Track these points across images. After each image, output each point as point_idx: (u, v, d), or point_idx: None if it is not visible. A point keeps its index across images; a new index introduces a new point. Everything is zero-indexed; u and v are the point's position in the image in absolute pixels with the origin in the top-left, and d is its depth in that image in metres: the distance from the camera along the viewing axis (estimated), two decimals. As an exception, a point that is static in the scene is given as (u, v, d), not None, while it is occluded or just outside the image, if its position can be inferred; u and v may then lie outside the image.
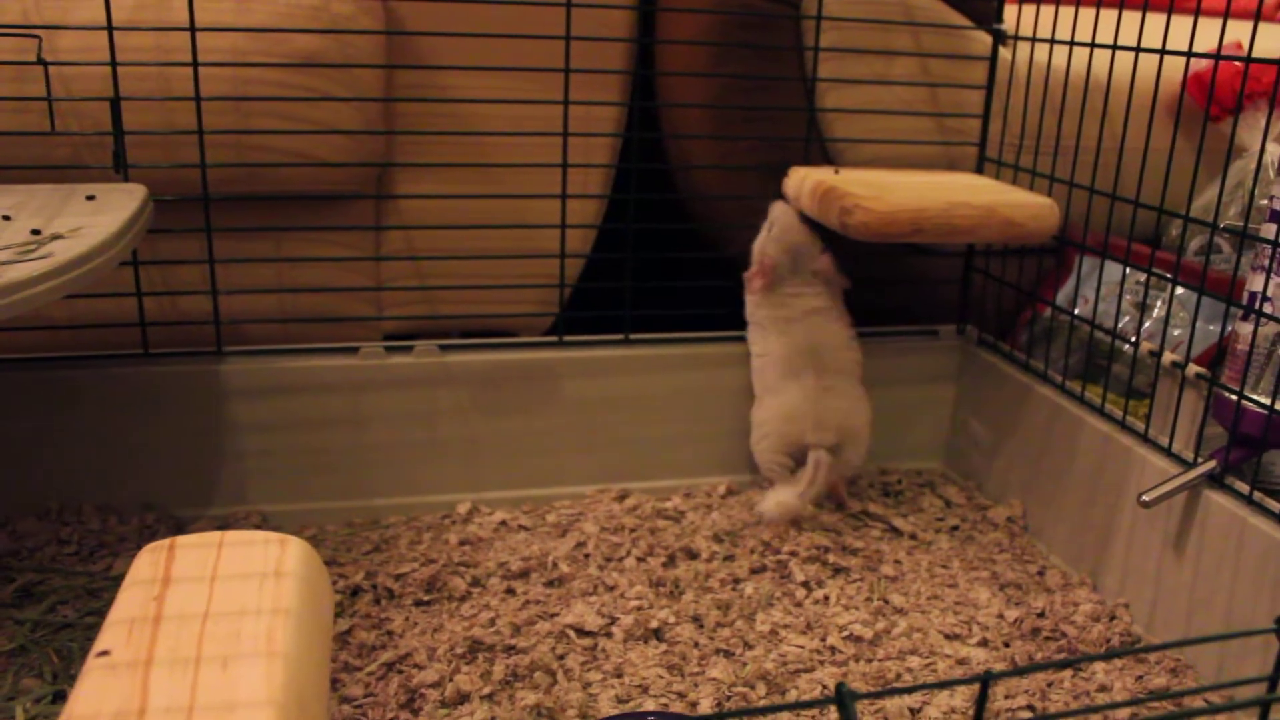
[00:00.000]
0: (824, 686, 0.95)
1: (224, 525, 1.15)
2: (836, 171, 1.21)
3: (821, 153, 1.30)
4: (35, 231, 0.93)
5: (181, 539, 0.69)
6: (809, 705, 0.62)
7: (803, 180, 1.19)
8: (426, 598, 1.04)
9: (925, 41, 1.30)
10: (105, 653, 0.58)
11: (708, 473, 1.29)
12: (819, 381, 1.20)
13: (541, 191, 1.23)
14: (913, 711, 0.93)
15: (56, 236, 0.92)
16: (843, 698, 0.57)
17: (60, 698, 0.88)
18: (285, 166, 1.15)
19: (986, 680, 0.60)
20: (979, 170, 1.33)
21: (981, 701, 0.62)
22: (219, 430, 1.15)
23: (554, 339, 1.23)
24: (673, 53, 1.31)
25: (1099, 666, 0.99)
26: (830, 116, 1.28)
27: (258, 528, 1.16)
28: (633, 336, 1.25)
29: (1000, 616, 1.06)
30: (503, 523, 1.19)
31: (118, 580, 1.05)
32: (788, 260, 1.22)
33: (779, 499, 1.17)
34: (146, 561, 0.67)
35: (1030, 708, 0.94)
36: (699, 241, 1.39)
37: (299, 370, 1.16)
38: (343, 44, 1.15)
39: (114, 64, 1.06)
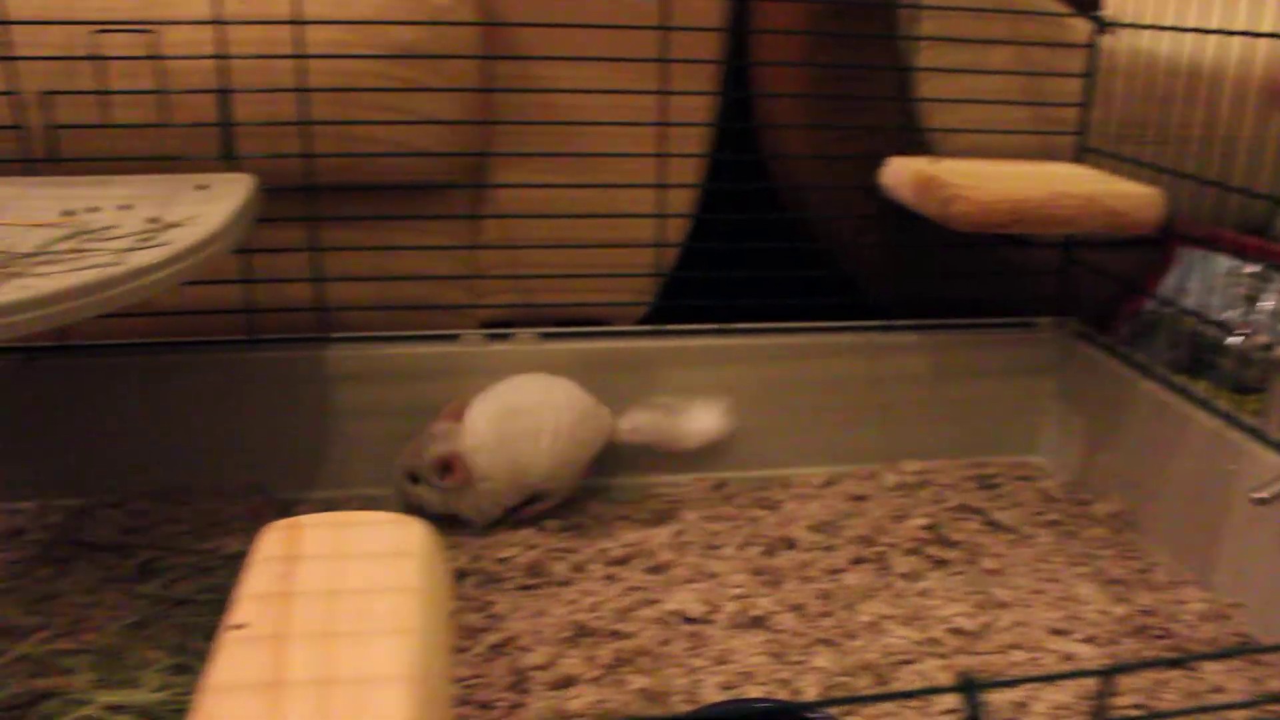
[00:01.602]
0: (928, 678, 0.94)
1: (328, 507, 1.16)
2: (935, 162, 1.20)
3: (918, 143, 1.29)
4: (152, 220, 0.96)
5: (305, 518, 0.71)
6: (934, 692, 0.62)
7: (901, 171, 1.18)
8: (530, 582, 1.06)
9: (1024, 29, 1.28)
10: (241, 625, 0.60)
11: (805, 463, 1.29)
12: None
13: (635, 181, 1.23)
14: (1019, 706, 0.92)
15: (173, 224, 0.95)
16: (969, 686, 0.57)
17: (182, 669, 0.90)
18: (385, 156, 1.16)
19: (1109, 674, 0.59)
20: (1079, 160, 1.31)
21: (1103, 696, 0.62)
22: (323, 415, 1.17)
23: (651, 328, 1.24)
24: (768, 42, 1.31)
25: (1212, 667, 0.97)
26: (927, 106, 1.27)
27: (361, 510, 1.18)
28: (728, 326, 1.25)
29: (1105, 613, 1.05)
30: (600, 510, 1.20)
31: (229, 558, 1.08)
32: None
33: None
34: (273, 539, 0.69)
35: (1140, 706, 0.93)
36: (793, 231, 1.38)
37: (401, 357, 1.18)
38: (441, 35, 1.16)
39: (223, 57, 1.09)
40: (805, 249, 1.35)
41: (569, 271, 1.26)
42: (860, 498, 1.24)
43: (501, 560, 1.08)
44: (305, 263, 1.18)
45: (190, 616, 0.99)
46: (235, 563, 1.06)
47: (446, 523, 1.14)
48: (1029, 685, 0.91)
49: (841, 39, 1.25)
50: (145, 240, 0.90)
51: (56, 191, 1.04)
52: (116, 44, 1.08)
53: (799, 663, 0.96)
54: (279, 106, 1.13)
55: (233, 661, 0.57)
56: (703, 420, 1.20)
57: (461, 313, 1.26)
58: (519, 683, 0.92)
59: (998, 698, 0.92)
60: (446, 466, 1.12)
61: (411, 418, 1.18)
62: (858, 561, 1.12)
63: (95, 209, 0.99)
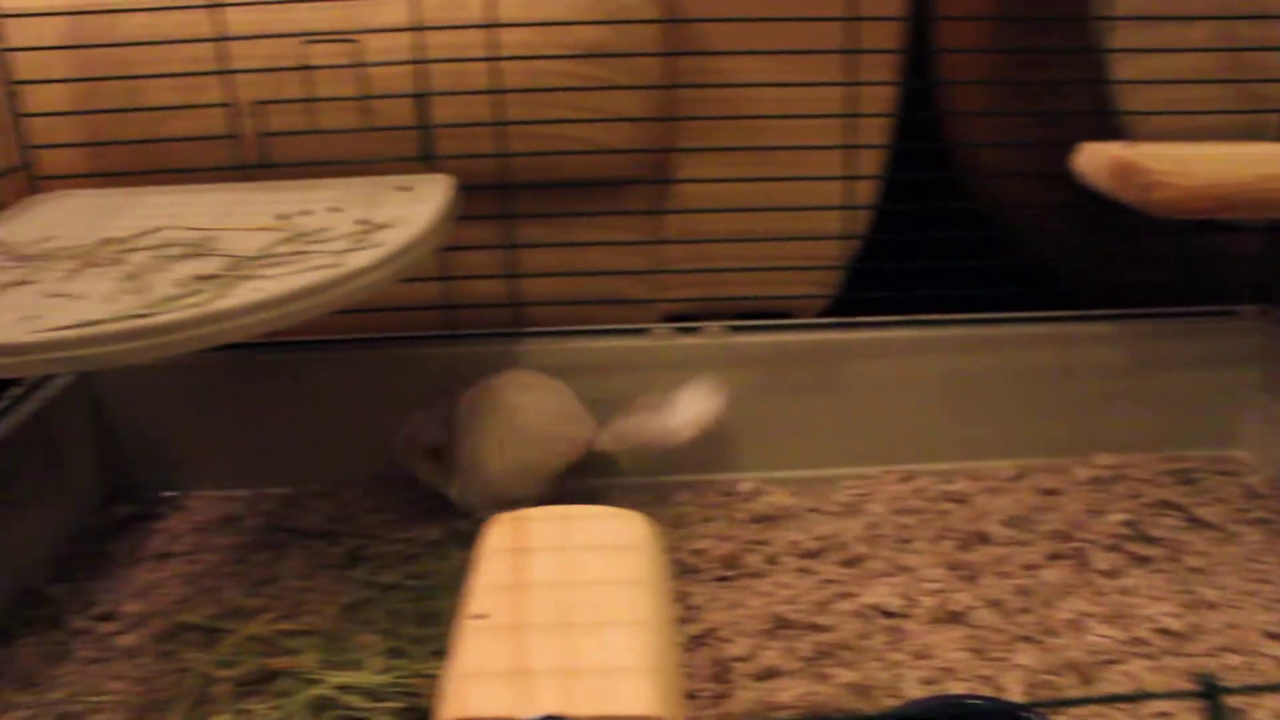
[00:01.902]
0: (1138, 680, 0.92)
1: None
2: (1133, 146, 1.16)
3: (1111, 127, 1.25)
4: (362, 221, 1.00)
5: (530, 511, 0.73)
6: (1172, 697, 0.60)
7: (1096, 156, 1.15)
8: (725, 573, 1.07)
9: (1227, 3, 1.23)
10: (481, 615, 0.62)
11: (993, 455, 1.26)
12: None
13: (816, 173, 1.23)
14: (1235, 712, 0.89)
15: (382, 226, 0.99)
16: (1211, 691, 0.56)
17: (398, 653, 0.94)
18: (574, 154, 1.19)
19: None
20: (1288, 140, 1.26)
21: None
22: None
23: (840, 320, 1.23)
24: (952, 28, 1.29)
25: None
26: (1122, 88, 1.23)
27: (559, 500, 1.21)
28: (917, 318, 1.24)
29: (1326, 616, 1.01)
30: (789, 502, 1.20)
31: (432, 547, 1.12)
32: None
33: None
34: (500, 531, 0.71)
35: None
36: (979, 220, 1.36)
37: (592, 350, 1.20)
38: (627, 33, 1.18)
39: (422, 62, 1.12)
40: (992, 238, 1.32)
41: (752, 265, 1.26)
42: (1052, 492, 1.22)
43: (696, 552, 1.10)
44: (496, 259, 1.21)
45: (399, 602, 1.03)
46: (436, 550, 1.11)
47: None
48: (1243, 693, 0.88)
49: (1031, 22, 1.22)
50: (359, 242, 0.94)
51: (269, 196, 1.10)
52: (322, 54, 1.13)
53: (1001, 659, 0.94)
54: (472, 108, 1.16)
55: (477, 650, 0.59)
56: (690, 409, 1.14)
57: (644, 306, 1.28)
58: (722, 673, 0.93)
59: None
60: (435, 453, 1.15)
61: (600, 410, 1.20)
62: (1054, 557, 1.09)
63: (307, 212, 1.04)
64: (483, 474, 1.13)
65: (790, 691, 0.89)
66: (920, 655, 0.95)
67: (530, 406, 1.13)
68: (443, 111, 1.16)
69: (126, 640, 1.00)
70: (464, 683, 0.57)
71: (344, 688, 0.87)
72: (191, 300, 0.83)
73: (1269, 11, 1.23)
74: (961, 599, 1.01)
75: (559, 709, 0.54)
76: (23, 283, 0.90)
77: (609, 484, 1.21)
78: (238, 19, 1.14)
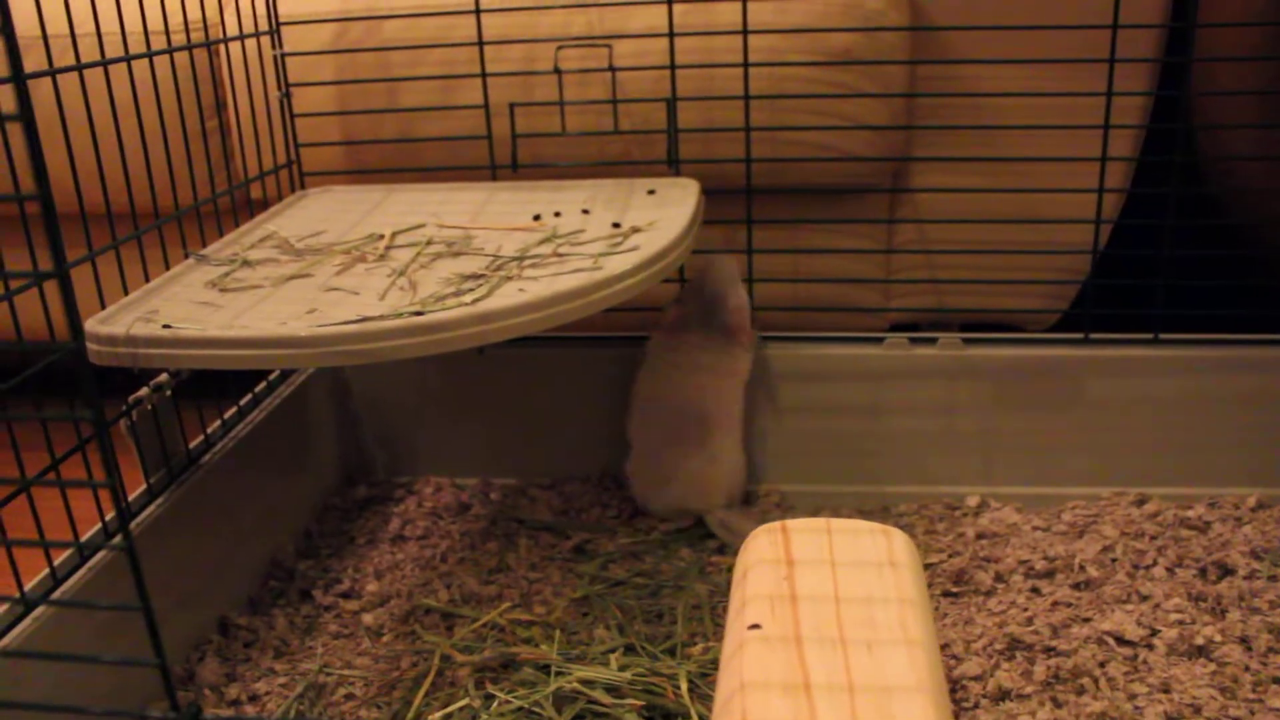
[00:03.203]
0: (1403, 731, 0.87)
1: (746, 501, 1.21)
2: None
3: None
4: (615, 225, 1.02)
5: (791, 523, 0.74)
6: None
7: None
8: (955, 589, 1.06)
9: None
10: (756, 625, 0.64)
11: (1235, 483, 1.21)
12: (701, 447, 1.15)
13: (1054, 184, 1.20)
14: None
15: (636, 229, 1.01)
16: None
17: (630, 649, 0.96)
18: (816, 161, 1.19)
19: None
20: None
21: None
22: (747, 412, 1.21)
23: (1079, 336, 1.20)
24: (1214, 36, 1.24)
25: None
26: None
27: (777, 505, 1.22)
28: (1163, 336, 1.20)
29: None
30: (1016, 519, 1.18)
31: (656, 544, 1.14)
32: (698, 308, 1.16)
33: None
34: (765, 542, 0.72)
35: None
36: (1234, 238, 1.30)
37: (825, 358, 1.20)
38: (874, 40, 1.17)
39: (673, 67, 1.14)
40: (1245, 256, 1.27)
41: (983, 276, 1.25)
42: (1300, 524, 1.16)
43: (927, 566, 1.09)
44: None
45: (627, 599, 1.05)
46: (660, 549, 1.13)
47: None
48: None
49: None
50: (615, 245, 0.96)
51: (520, 196, 1.14)
52: (573, 57, 1.16)
53: (1254, 700, 0.91)
54: (716, 112, 1.17)
55: (758, 662, 0.60)
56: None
57: (873, 315, 1.27)
58: (955, 691, 0.92)
59: None
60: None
61: (830, 417, 1.21)
62: (1307, 595, 1.05)
63: (559, 213, 1.07)
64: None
65: (1033, 717, 0.87)
66: (1162, 688, 0.92)
67: None
68: (686, 116, 1.18)
69: (369, 619, 1.05)
70: (745, 694, 0.58)
71: (586, 682, 0.90)
72: (460, 299, 0.86)
73: None
74: (1207, 632, 0.98)
75: (841, 725, 0.55)
76: (300, 276, 0.95)
77: (832, 490, 1.21)
78: (492, 23, 1.18)
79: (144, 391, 0.99)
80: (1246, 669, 0.94)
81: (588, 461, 1.26)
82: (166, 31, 1.02)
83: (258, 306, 0.89)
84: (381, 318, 0.84)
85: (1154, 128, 1.24)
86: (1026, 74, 1.20)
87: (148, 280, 0.96)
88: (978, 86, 1.22)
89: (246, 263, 0.99)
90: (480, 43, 1.17)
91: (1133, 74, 1.20)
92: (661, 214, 1.03)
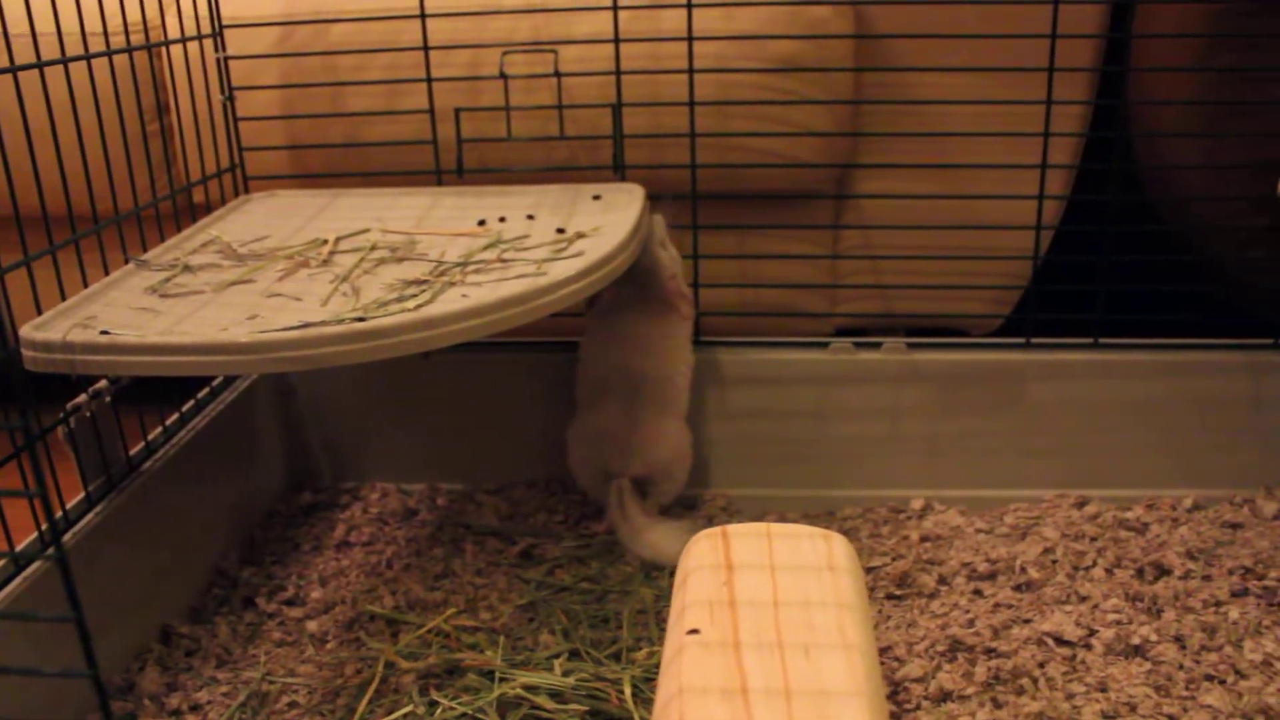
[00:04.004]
0: (1331, 727, 0.89)
1: (691, 505, 1.22)
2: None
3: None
4: (560, 230, 1.02)
5: (731, 528, 0.74)
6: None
7: (1306, 180, 1.11)
8: (898, 592, 1.07)
9: None
10: (695, 631, 0.64)
11: (1173, 485, 1.23)
12: (627, 410, 1.14)
13: (998, 191, 1.21)
14: None
15: (580, 235, 1.01)
16: None
17: (575, 655, 0.96)
18: (761, 167, 1.20)
19: None
20: None
21: None
22: (691, 415, 1.21)
23: (1020, 340, 1.22)
24: (1152, 46, 1.26)
25: None
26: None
27: (722, 510, 1.22)
28: (1102, 341, 1.22)
29: None
30: (959, 522, 1.19)
31: (601, 549, 1.14)
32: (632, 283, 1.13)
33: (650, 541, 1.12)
34: (706, 547, 0.73)
35: None
36: (1170, 244, 1.33)
37: (770, 362, 1.21)
38: (819, 47, 1.18)
39: (618, 73, 1.15)
40: (1182, 262, 1.29)
41: (928, 281, 1.26)
42: (1235, 525, 1.18)
43: (869, 570, 1.10)
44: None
45: (573, 604, 1.05)
46: (607, 554, 1.13)
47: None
48: None
49: (1242, 39, 1.19)
50: (559, 251, 0.97)
51: (465, 201, 1.14)
52: (519, 63, 1.16)
53: (1186, 698, 0.92)
54: (662, 118, 1.18)
55: (696, 666, 0.61)
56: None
57: (818, 319, 1.28)
58: (896, 693, 0.93)
59: None
60: None
61: (776, 421, 1.21)
62: (1240, 594, 1.06)
63: (504, 219, 1.07)
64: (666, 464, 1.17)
65: (973, 717, 0.88)
66: (1100, 687, 0.93)
67: None
68: (633, 121, 1.18)
69: (313, 626, 1.05)
70: (683, 699, 0.58)
71: (530, 688, 0.90)
72: (403, 305, 0.86)
73: None
74: (1143, 631, 0.99)
75: (777, 729, 0.55)
76: (242, 282, 0.94)
77: (778, 495, 1.21)
78: (438, 28, 1.18)
79: (82, 398, 0.97)
80: (1180, 667, 0.96)
81: (534, 466, 1.26)
82: (105, 33, 1.01)
83: (198, 312, 0.88)
84: (323, 324, 0.83)
85: (1093, 136, 1.26)
86: (970, 82, 1.22)
87: (86, 286, 0.94)
88: (922, 94, 1.23)
89: (188, 268, 0.98)
90: (426, 47, 1.17)
91: (1072, 83, 1.22)
92: (607, 219, 1.04)
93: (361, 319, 0.84)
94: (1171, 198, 1.31)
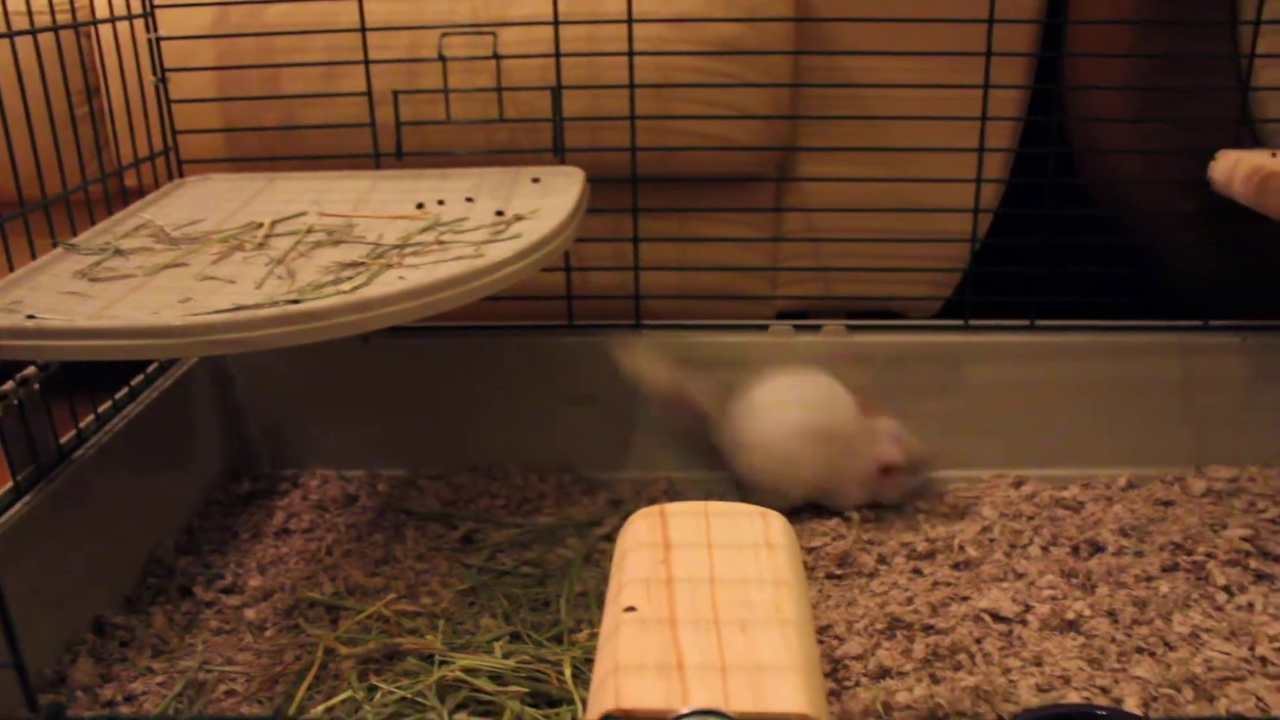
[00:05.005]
0: (1259, 699, 0.91)
1: (634, 488, 1.22)
2: (1275, 155, 1.15)
3: (1251, 135, 1.24)
4: (499, 213, 1.02)
5: (669, 506, 0.74)
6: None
7: (1235, 165, 1.13)
8: (839, 571, 1.07)
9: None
10: (632, 608, 0.64)
11: (1108, 464, 1.25)
12: None
13: (939, 175, 1.23)
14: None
15: (519, 217, 1.00)
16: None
17: (516, 637, 0.96)
18: (701, 150, 1.20)
19: None
20: None
21: None
22: (633, 399, 1.21)
23: (959, 323, 1.23)
24: (1087, 33, 1.28)
25: None
26: (1264, 95, 1.21)
27: (665, 492, 1.22)
28: (1039, 323, 1.23)
29: None
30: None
31: (542, 533, 1.14)
32: None
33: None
34: (643, 526, 0.72)
35: None
36: (1103, 227, 1.35)
37: (710, 345, 1.22)
38: (758, 31, 1.18)
39: (558, 55, 1.14)
40: (1117, 246, 1.31)
41: (869, 264, 1.27)
42: (1167, 503, 1.20)
43: (809, 549, 1.10)
44: (615, 251, 1.23)
45: (514, 587, 1.05)
46: (549, 537, 1.13)
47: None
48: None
49: (1173, 26, 1.21)
50: (498, 233, 0.96)
51: (404, 184, 1.13)
52: (458, 45, 1.15)
53: (1118, 670, 0.94)
54: (602, 101, 1.18)
55: (633, 643, 0.60)
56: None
57: (759, 302, 1.29)
58: (835, 671, 0.94)
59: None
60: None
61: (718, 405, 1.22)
62: (1170, 569, 1.08)
63: (442, 201, 1.06)
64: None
65: (910, 693, 0.89)
66: (1035, 662, 0.95)
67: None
68: (573, 104, 1.18)
69: (251, 613, 1.03)
70: (619, 675, 0.58)
71: (470, 670, 0.89)
72: (338, 287, 0.85)
73: None
74: (1077, 607, 1.01)
75: (713, 704, 0.55)
76: (175, 265, 0.93)
77: (721, 477, 1.22)
78: (376, 9, 1.17)
79: (9, 386, 0.95)
80: (1113, 640, 0.97)
81: (476, 451, 1.25)
82: (29, 11, 0.99)
83: (129, 296, 0.86)
84: (257, 306, 0.82)
85: (1028, 120, 1.27)
86: (910, 66, 1.23)
87: (12, 270, 0.92)
88: (863, 78, 1.24)
89: (119, 252, 0.97)
90: (364, 29, 1.16)
91: (1010, 68, 1.23)
92: (545, 202, 1.03)
93: (296, 301, 0.83)
94: (1106, 182, 1.33)
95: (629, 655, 0.59)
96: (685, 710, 0.55)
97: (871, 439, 1.15)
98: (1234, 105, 1.22)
